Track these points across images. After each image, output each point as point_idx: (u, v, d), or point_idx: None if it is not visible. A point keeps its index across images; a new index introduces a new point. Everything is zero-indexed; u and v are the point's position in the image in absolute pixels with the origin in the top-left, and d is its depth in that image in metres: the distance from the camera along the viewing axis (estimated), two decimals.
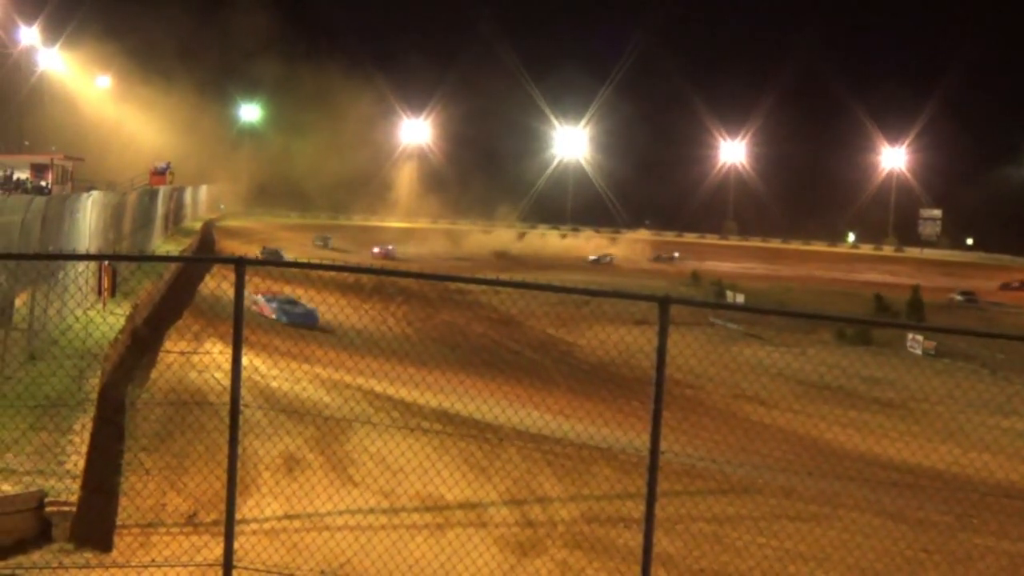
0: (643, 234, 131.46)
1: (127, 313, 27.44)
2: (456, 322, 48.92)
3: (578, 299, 51.08)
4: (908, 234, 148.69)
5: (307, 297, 44.18)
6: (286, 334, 35.36)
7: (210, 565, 10.44)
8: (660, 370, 9.20)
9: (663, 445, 9.45)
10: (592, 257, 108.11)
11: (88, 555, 11.02)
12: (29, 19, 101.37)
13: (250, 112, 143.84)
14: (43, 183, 59.42)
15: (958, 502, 21.57)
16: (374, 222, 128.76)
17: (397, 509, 14.54)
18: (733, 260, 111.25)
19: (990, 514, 20.38)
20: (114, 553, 11.41)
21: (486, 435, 20.78)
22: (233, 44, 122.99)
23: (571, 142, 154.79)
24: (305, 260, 12.13)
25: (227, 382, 9.85)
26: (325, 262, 12.54)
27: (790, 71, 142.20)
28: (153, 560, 10.96)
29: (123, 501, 13.32)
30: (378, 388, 26.43)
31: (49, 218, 22.27)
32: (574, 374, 38.15)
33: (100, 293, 28.38)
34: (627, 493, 16.72)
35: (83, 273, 25.35)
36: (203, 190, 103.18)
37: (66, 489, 12.07)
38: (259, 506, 13.78)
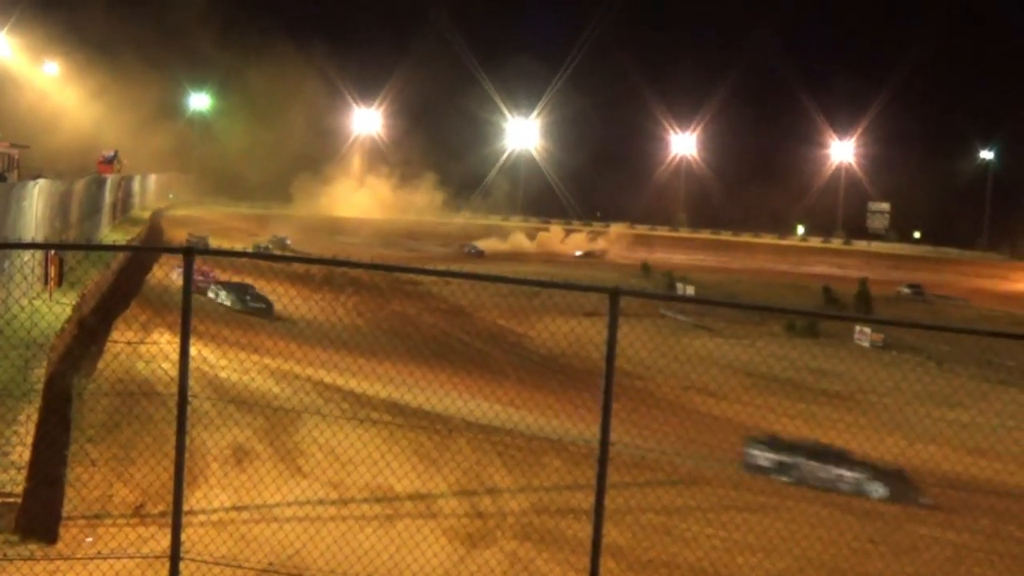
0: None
1: (74, 303, 27.20)
2: (407, 313, 48.83)
3: (528, 290, 50.99)
4: (857, 227, 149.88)
5: (257, 287, 43.95)
6: (235, 324, 35.18)
7: (157, 557, 10.37)
8: (610, 362, 9.21)
9: (613, 436, 9.48)
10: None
11: (33, 546, 10.93)
12: None
13: (200, 101, 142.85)
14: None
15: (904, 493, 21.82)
16: (323, 212, 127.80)
17: (346, 500, 14.51)
18: (684, 252, 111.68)
19: (935, 505, 20.63)
20: (60, 545, 11.33)
21: (436, 426, 20.79)
22: (183, 32, 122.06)
23: (522, 133, 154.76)
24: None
25: (175, 372, 9.78)
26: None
27: (741, 64, 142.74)
28: (99, 552, 10.88)
29: (69, 492, 13.22)
30: (328, 379, 26.36)
31: None
32: (524, 365, 38.20)
33: (46, 282, 28.12)
34: (577, 484, 16.76)
35: (29, 262, 25.11)
36: (152, 179, 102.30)
37: (11, 480, 11.97)
38: (207, 497, 13.71)
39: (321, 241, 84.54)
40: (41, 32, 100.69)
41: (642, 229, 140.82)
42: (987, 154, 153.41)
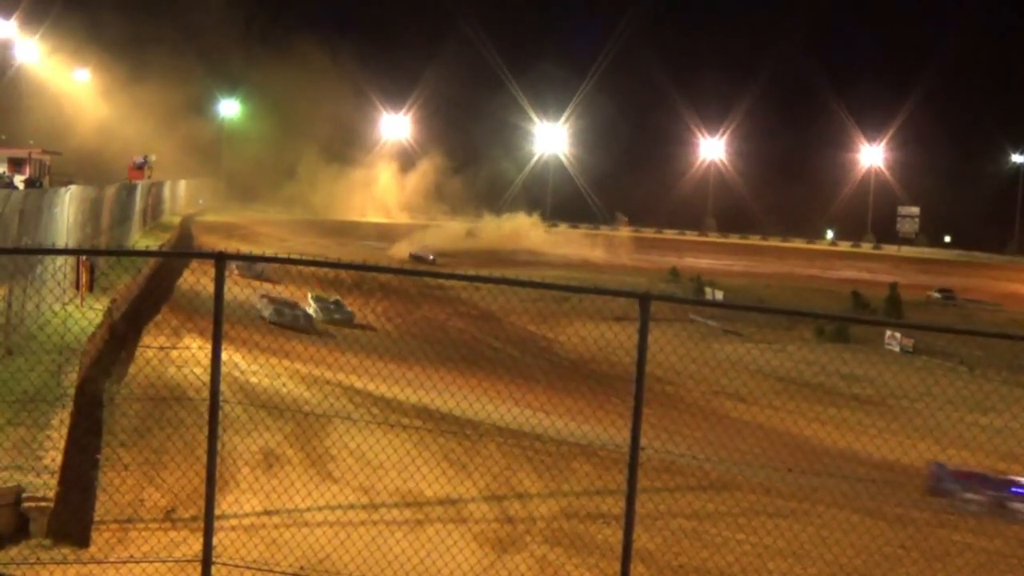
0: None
1: (105, 308, 27.33)
2: (436, 318, 48.87)
3: (558, 295, 50.89)
4: (886, 231, 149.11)
5: (287, 293, 44.08)
6: (266, 330, 35.29)
7: (189, 561, 10.41)
8: (640, 367, 9.19)
9: (643, 441, 9.46)
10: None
11: (66, 551, 10.98)
12: (7, 12, 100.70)
13: (230, 107, 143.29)
14: (19, 178, 58.99)
15: (936, 499, 21.67)
16: (353, 218, 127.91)
17: (376, 505, 14.52)
18: (712, 256, 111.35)
19: (968, 511, 20.48)
20: (92, 549, 11.37)
21: (466, 431, 20.77)
22: (213, 39, 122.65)
23: (551, 138, 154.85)
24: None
25: (206, 377, 9.82)
26: (306, 257, 12.50)
27: (770, 68, 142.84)
28: (131, 556, 10.92)
29: (101, 497, 13.27)
30: (357, 384, 26.37)
31: (27, 212, 22.18)
32: (554, 370, 38.14)
33: (78, 288, 28.27)
34: (607, 489, 16.72)
35: (61, 268, 25.26)
36: (182, 185, 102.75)
37: (44, 485, 12.02)
38: (238, 502, 13.74)
39: (351, 246, 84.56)
40: (66, 37, 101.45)
41: (671, 233, 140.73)
42: (1018, 157, 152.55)
